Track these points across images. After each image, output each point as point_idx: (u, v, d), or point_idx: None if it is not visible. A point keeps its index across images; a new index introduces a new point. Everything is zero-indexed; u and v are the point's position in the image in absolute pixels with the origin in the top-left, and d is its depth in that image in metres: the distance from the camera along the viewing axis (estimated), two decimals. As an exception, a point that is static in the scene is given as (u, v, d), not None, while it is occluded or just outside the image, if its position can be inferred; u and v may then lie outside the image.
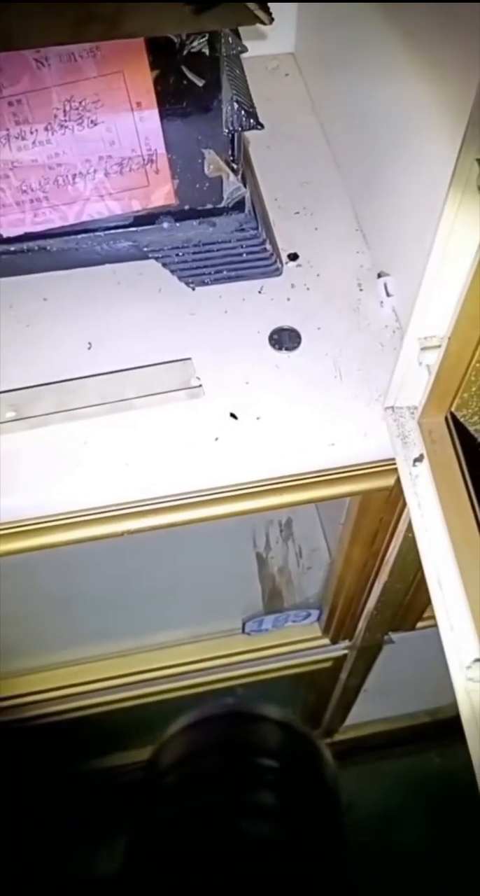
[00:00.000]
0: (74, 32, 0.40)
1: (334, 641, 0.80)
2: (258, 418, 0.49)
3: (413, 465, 0.46)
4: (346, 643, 0.81)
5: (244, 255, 0.54)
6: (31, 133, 0.45)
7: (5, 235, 0.50)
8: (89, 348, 0.52)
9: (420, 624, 0.79)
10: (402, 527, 0.58)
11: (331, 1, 0.58)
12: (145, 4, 0.40)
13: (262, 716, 0.41)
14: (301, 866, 0.35)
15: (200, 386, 0.50)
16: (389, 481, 0.51)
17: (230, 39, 0.46)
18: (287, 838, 0.36)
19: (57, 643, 0.80)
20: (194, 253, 0.53)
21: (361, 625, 0.76)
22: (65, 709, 0.82)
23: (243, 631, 0.77)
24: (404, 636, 0.81)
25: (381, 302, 0.54)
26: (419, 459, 0.46)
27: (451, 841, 1.08)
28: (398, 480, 0.48)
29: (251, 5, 0.41)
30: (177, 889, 0.31)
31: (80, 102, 0.44)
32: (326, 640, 0.79)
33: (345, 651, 0.83)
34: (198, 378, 0.50)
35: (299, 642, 0.79)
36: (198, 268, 0.54)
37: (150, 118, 0.46)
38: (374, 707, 1.06)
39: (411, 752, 1.16)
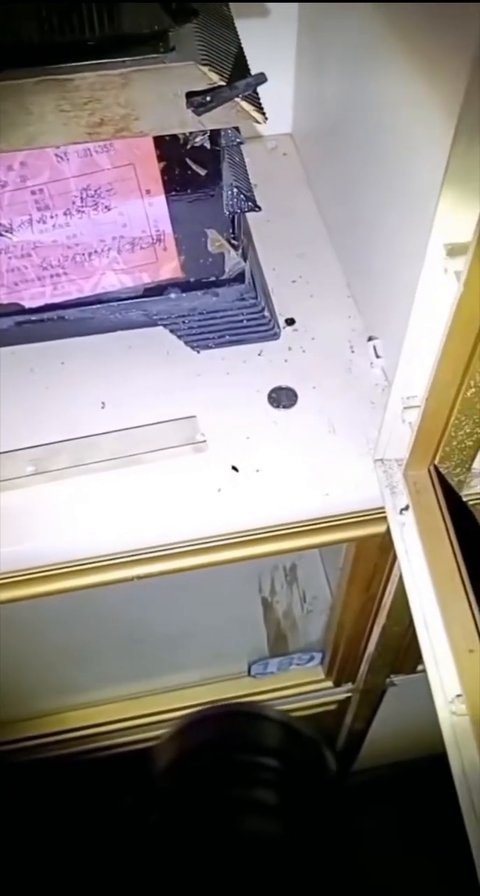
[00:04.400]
0: (89, 133, 0.46)
1: (337, 684, 0.82)
2: (257, 470, 0.53)
3: (400, 514, 0.50)
4: (349, 686, 0.83)
5: (245, 321, 0.58)
6: (52, 217, 0.51)
7: (27, 306, 0.55)
8: (103, 407, 0.56)
9: (420, 667, 0.81)
10: (396, 572, 0.61)
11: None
12: (151, 108, 0.46)
13: (261, 715, 0.42)
14: (300, 865, 0.36)
15: (204, 441, 0.54)
16: (381, 529, 0.55)
17: (230, 133, 0.51)
18: (287, 837, 0.37)
19: (65, 686, 0.82)
20: (199, 320, 0.58)
21: (363, 667, 0.79)
22: (70, 752, 0.84)
23: (249, 674, 0.80)
24: (406, 679, 0.83)
25: (371, 363, 0.58)
26: (405, 509, 0.50)
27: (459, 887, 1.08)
28: (389, 528, 0.52)
29: (247, 107, 0.47)
30: (178, 887, 0.33)
31: (96, 191, 0.50)
32: (330, 683, 0.82)
33: (349, 694, 0.85)
34: (203, 434, 0.54)
35: (303, 685, 0.82)
36: (202, 333, 0.59)
37: (158, 203, 0.51)
38: (381, 751, 1.07)
39: (419, 795, 1.17)
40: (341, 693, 0.84)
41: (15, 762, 0.83)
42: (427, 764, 1.13)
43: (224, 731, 0.41)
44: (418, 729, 1.02)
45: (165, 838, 0.36)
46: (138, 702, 0.81)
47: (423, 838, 1.19)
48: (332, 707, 0.87)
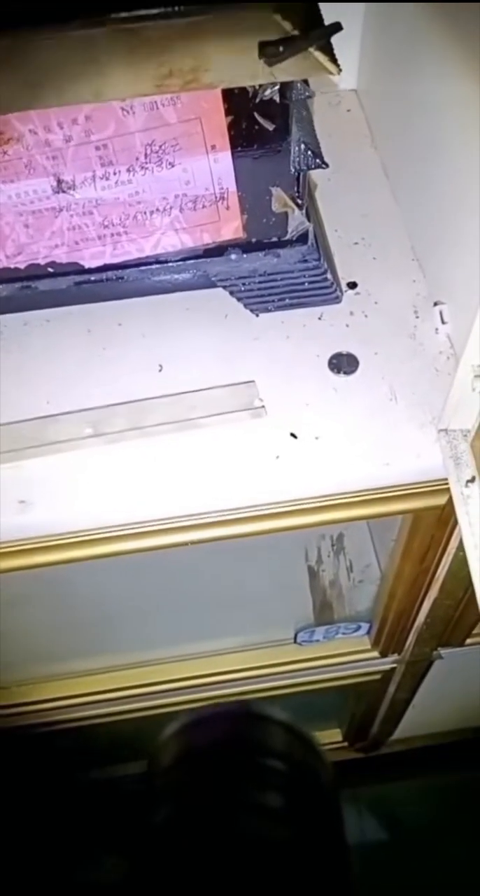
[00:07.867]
0: (157, 86, 0.44)
1: (383, 655, 0.81)
2: (317, 438, 0.52)
3: (466, 486, 0.48)
4: (395, 657, 0.83)
5: (306, 284, 0.57)
6: (115, 174, 0.49)
7: (87, 266, 0.54)
8: (160, 370, 0.56)
9: (469, 640, 0.80)
10: (453, 545, 0.60)
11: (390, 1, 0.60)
12: (221, 59, 0.44)
13: (269, 717, 0.42)
14: (306, 869, 0.35)
15: (263, 407, 0.53)
16: (441, 500, 0.54)
17: (299, 86, 0.49)
18: (292, 840, 0.36)
19: (113, 646, 0.83)
20: (259, 282, 0.57)
21: (410, 639, 0.78)
22: (112, 711, 0.85)
23: (295, 641, 0.80)
24: (453, 652, 0.82)
25: (436, 329, 0.56)
26: (471, 480, 0.48)
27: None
28: (450, 500, 0.51)
29: (320, 57, 0.45)
30: (179, 889, 0.32)
31: (161, 146, 0.48)
32: (375, 653, 0.81)
33: (394, 665, 0.84)
34: (261, 399, 0.53)
35: (349, 654, 0.81)
36: (262, 296, 0.57)
37: (224, 159, 0.50)
38: (422, 722, 1.07)
39: (458, 767, 1.17)
40: (387, 664, 0.84)
41: (59, 719, 0.85)
42: (470, 735, 1.13)
43: (228, 732, 0.40)
44: (464, 702, 1.02)
45: (168, 840, 0.35)
46: (185, 664, 0.81)
47: (456, 808, 1.19)
48: (376, 677, 0.87)
